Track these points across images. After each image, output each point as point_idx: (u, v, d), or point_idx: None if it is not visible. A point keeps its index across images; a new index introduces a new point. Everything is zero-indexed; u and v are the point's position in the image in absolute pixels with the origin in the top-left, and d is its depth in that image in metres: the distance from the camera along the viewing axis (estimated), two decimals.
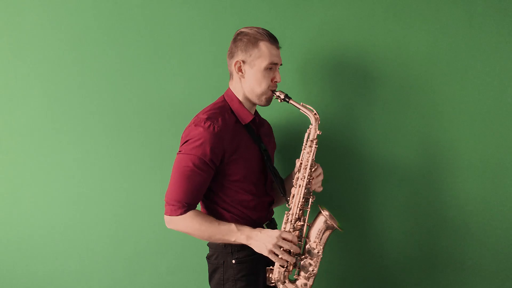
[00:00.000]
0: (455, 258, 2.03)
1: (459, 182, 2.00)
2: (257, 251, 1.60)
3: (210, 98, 1.79)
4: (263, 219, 1.75)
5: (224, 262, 1.65)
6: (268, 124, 1.89)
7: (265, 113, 1.90)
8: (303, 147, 1.69)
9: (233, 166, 1.63)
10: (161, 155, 2.03)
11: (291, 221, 1.66)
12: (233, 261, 1.64)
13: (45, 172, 2.05)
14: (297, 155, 1.72)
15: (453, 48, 1.97)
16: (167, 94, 2.02)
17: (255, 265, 1.66)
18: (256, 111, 1.80)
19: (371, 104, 2.00)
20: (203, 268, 1.82)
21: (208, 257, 1.73)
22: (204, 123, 1.58)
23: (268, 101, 1.70)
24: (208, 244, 1.73)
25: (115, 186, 2.05)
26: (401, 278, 2.06)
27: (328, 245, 1.81)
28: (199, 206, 1.69)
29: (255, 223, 1.69)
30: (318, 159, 1.79)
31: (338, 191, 2.03)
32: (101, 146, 2.04)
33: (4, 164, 2.05)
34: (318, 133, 1.67)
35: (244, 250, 1.64)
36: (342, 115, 2.01)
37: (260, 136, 1.76)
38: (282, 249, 1.58)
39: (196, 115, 1.65)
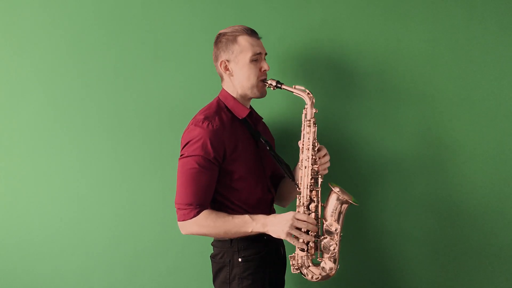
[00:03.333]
0: (456, 254, 2.04)
1: (459, 178, 2.02)
2: (275, 236, 1.59)
3: (210, 99, 1.79)
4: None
5: (230, 260, 1.66)
6: (263, 122, 1.90)
7: (262, 106, 1.91)
8: (302, 128, 1.69)
9: (235, 164, 1.65)
10: (162, 155, 2.03)
11: (303, 203, 1.65)
12: (240, 260, 1.65)
13: (45, 172, 2.04)
14: (297, 150, 1.71)
15: (453, 48, 1.99)
16: (167, 95, 2.03)
17: (261, 263, 1.67)
18: (251, 107, 1.81)
19: (371, 102, 2.02)
20: (204, 268, 1.83)
21: (212, 256, 1.73)
22: (202, 123, 1.60)
23: (262, 92, 1.72)
24: (213, 244, 1.74)
25: (115, 186, 2.05)
26: (400, 277, 2.07)
27: None
28: None
29: None
30: None
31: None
32: (101, 146, 2.04)
33: (4, 164, 2.04)
34: (315, 111, 1.68)
35: (250, 248, 1.65)
36: (342, 113, 2.03)
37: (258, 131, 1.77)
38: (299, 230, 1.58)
39: (193, 117, 1.67)
